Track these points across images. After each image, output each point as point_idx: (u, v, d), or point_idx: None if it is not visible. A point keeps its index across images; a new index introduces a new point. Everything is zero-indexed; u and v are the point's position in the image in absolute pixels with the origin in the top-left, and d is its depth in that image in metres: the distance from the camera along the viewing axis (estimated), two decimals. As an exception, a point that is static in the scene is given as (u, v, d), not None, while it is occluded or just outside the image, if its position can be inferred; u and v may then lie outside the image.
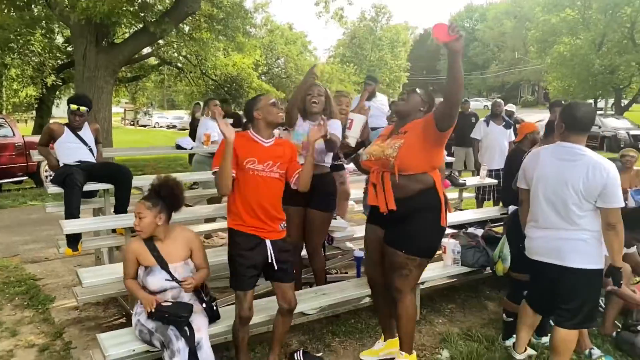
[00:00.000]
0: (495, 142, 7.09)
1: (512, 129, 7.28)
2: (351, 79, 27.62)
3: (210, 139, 5.73)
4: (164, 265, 2.95)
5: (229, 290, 3.69)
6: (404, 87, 48.64)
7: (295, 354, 3.35)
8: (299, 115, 3.74)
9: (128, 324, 3.31)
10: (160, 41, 12.90)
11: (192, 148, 5.88)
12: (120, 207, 4.50)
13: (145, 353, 2.92)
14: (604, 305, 3.83)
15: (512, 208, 4.50)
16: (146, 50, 13.69)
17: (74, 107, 4.60)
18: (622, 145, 17.70)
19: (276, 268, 2.95)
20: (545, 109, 34.40)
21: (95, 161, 4.66)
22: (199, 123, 6.67)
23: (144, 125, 37.97)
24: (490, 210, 5.62)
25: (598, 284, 2.91)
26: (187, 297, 2.98)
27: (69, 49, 14.67)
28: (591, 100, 31.57)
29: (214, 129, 5.72)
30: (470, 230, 4.53)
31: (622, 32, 25.80)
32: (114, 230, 4.45)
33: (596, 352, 3.36)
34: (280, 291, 3.03)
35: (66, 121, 4.71)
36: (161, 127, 36.73)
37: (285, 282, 3.02)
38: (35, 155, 4.89)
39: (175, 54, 15.52)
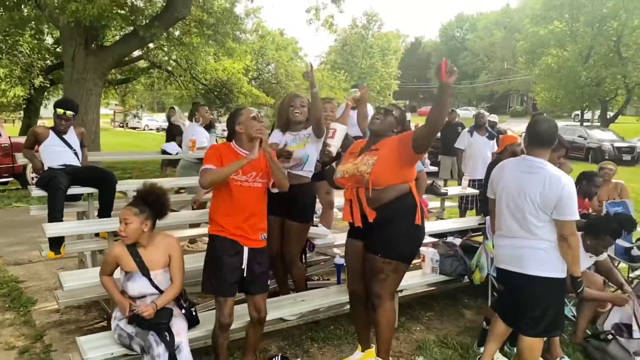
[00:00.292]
0: (479, 152, 7.21)
1: (495, 139, 7.41)
2: (341, 86, 27.76)
3: (196, 145, 5.76)
4: (145, 272, 2.97)
5: (210, 295, 3.73)
6: (395, 95, 48.99)
7: (274, 359, 3.40)
8: (279, 131, 3.84)
9: (109, 327, 3.31)
10: (151, 44, 12.93)
11: (177, 154, 5.91)
12: (104, 212, 4.53)
13: (124, 357, 2.95)
14: (575, 315, 3.94)
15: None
16: (136, 52, 13.71)
17: (60, 111, 4.63)
18: (606, 157, 18.00)
19: (248, 278, 3.00)
20: (534, 119, 34.85)
21: (80, 165, 4.69)
22: (184, 128, 6.67)
23: (134, 128, 37.84)
24: (469, 220, 5.72)
25: (559, 292, 2.98)
26: (166, 303, 3.02)
27: (58, 50, 14.64)
28: (578, 112, 32.06)
29: (200, 134, 5.76)
30: (449, 239, 4.61)
31: (609, 45, 26.28)
32: (97, 234, 4.47)
33: (567, 360, 3.45)
34: (252, 301, 3.09)
35: (52, 124, 4.74)
36: (150, 129, 36.61)
37: (257, 293, 3.07)
38: (20, 158, 4.91)
39: (166, 58, 15.54)
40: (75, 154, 4.68)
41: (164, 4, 10.97)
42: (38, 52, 14.24)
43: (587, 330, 3.84)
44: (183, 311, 3.09)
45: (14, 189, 10.05)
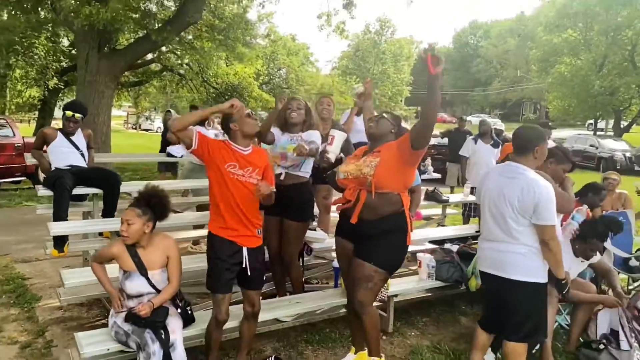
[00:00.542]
0: (482, 160, 7.21)
1: (500, 147, 7.41)
2: (352, 91, 27.82)
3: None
4: (143, 272, 3.05)
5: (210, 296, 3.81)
6: (406, 101, 48.90)
7: (268, 360, 3.47)
8: (278, 129, 3.90)
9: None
10: (163, 48, 13.12)
11: (182, 156, 6.01)
12: (108, 212, 4.64)
13: (119, 353, 3.04)
14: (569, 323, 3.96)
15: None
16: (149, 56, 13.91)
17: (69, 113, 4.77)
18: (618, 167, 17.85)
19: (245, 275, 3.10)
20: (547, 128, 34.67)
21: (86, 166, 4.81)
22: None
23: (146, 130, 38.18)
24: (469, 227, 5.75)
25: (540, 298, 2.99)
26: (162, 302, 3.10)
27: (73, 52, 14.89)
28: (591, 121, 31.79)
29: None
30: (447, 246, 4.65)
31: (623, 55, 26.07)
32: (101, 234, 4.58)
33: (558, 368, 3.48)
34: (247, 296, 3.19)
35: (60, 126, 4.87)
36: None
37: (252, 289, 3.17)
38: (29, 159, 5.04)
39: (178, 61, 15.74)
40: (82, 155, 4.81)
41: (176, 9, 11.14)
42: (53, 54, 14.52)
43: (580, 339, 3.86)
44: (179, 310, 3.17)
45: (26, 188, 10.26)
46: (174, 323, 3.02)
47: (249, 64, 16.46)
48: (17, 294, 4.54)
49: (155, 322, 2.94)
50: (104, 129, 10.77)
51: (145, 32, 10.62)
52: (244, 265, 3.08)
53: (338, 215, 3.40)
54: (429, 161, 7.71)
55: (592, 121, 31.73)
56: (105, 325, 3.76)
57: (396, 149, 3.10)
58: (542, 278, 2.96)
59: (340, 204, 3.27)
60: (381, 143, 3.21)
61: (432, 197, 5.78)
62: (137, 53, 11.23)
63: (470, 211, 6.80)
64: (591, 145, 20.50)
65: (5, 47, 12.73)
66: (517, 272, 2.94)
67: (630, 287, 5.04)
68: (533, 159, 3.00)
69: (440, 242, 5.08)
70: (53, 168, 4.68)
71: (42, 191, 4.60)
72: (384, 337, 3.93)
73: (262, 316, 3.35)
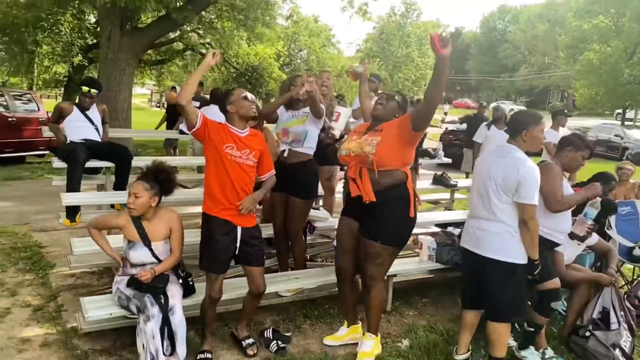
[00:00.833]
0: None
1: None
2: (350, 68, 27.61)
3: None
4: (146, 243, 3.18)
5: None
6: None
7: (266, 332, 3.59)
8: (283, 107, 3.97)
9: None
10: (187, 27, 13.20)
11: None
12: (119, 185, 4.80)
13: (122, 318, 3.20)
14: (565, 308, 3.99)
15: None
16: (172, 35, 14.03)
17: (85, 89, 4.93)
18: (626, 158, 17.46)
19: (244, 253, 3.18)
20: (575, 117, 33.82)
21: (100, 140, 4.96)
22: (202, 108, 6.86)
23: (170, 108, 38.51)
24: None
25: (515, 278, 3.01)
26: (164, 271, 3.23)
27: (98, 29, 15.10)
28: (619, 110, 30.99)
29: (217, 115, 5.94)
30: (449, 229, 4.68)
31: (655, 43, 25.27)
32: (112, 206, 4.75)
33: (549, 352, 3.52)
34: (251, 275, 3.25)
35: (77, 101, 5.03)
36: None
37: (254, 265, 3.24)
38: (46, 132, 5.22)
39: (200, 41, 15.83)
40: (97, 129, 4.96)
41: (197, -13, 11.17)
42: (78, 31, 14.74)
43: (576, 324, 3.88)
44: (180, 280, 3.31)
45: (49, 161, 10.54)
46: (173, 289, 3.15)
47: (270, 45, 16.46)
48: (33, 261, 4.75)
49: (155, 287, 3.07)
50: (124, 106, 10.96)
51: (166, 10, 10.71)
52: (237, 244, 3.15)
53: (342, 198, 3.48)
54: (440, 145, 7.69)
55: (620, 111, 30.93)
56: (113, 292, 3.96)
57: (397, 128, 3.16)
58: (518, 259, 2.99)
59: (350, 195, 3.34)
60: (383, 122, 3.27)
61: (440, 181, 5.80)
62: (158, 32, 11.34)
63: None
64: (616, 135, 20.06)
65: (32, 24, 13.01)
66: (491, 250, 3.00)
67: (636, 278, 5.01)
68: (522, 141, 3.04)
69: (445, 225, 5.12)
70: (68, 141, 4.85)
71: (57, 163, 4.78)
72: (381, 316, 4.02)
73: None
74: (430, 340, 3.62)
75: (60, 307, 3.87)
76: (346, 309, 3.64)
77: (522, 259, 3.00)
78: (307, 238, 4.59)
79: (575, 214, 3.68)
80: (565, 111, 7.13)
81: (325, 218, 4.47)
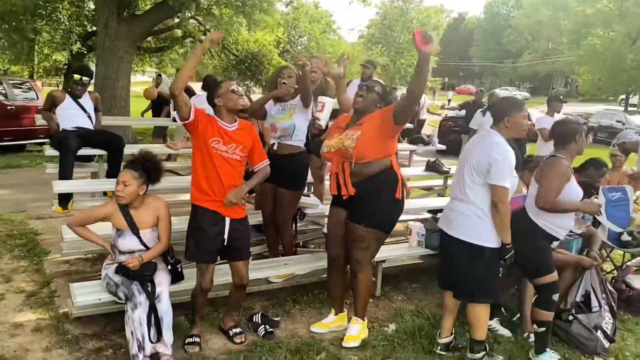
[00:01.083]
0: (490, 133, 7.16)
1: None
2: (376, 61, 27.51)
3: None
4: (135, 231, 3.22)
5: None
6: (434, 72, 47.88)
7: (254, 316, 3.65)
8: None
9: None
10: (187, 13, 13.13)
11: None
12: (112, 172, 4.83)
13: (111, 304, 3.26)
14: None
15: None
16: (170, 22, 13.97)
17: (77, 77, 4.95)
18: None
19: (231, 245, 3.19)
20: (578, 102, 33.58)
21: (92, 128, 4.99)
22: (191, 97, 6.84)
23: (171, 96, 38.47)
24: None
25: (482, 260, 3.04)
26: (152, 258, 3.28)
27: (96, 17, 15.07)
28: (623, 96, 30.80)
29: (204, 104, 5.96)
30: (439, 215, 4.70)
31: (659, 27, 25.03)
32: (105, 193, 4.79)
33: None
34: (234, 268, 3.28)
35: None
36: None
37: (238, 260, 3.26)
38: (39, 120, 5.25)
39: (200, 27, 15.76)
40: (89, 117, 4.99)
41: (194, -26, 11.12)
42: (76, 18, 14.70)
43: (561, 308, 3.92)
44: (169, 267, 3.35)
45: (48, 149, 10.59)
46: (161, 276, 3.18)
47: (270, 31, 16.37)
48: (28, 248, 4.81)
49: (143, 275, 3.11)
50: (123, 93, 10.99)
51: (163, -3, 10.70)
52: (224, 236, 3.15)
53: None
54: (434, 132, 7.70)
55: (624, 96, 30.75)
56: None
57: (379, 120, 3.18)
58: (486, 242, 3.02)
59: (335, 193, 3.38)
60: (365, 114, 3.28)
61: (432, 167, 5.82)
62: (155, 19, 11.33)
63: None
64: (618, 121, 19.96)
65: (30, 11, 12.97)
66: (459, 231, 3.07)
67: (628, 263, 5.04)
68: (504, 127, 3.06)
69: (436, 212, 5.14)
70: (61, 129, 4.88)
71: (49, 151, 4.82)
72: (369, 300, 4.07)
73: (252, 275, 3.45)
74: (416, 325, 3.67)
75: (53, 293, 3.94)
76: (334, 297, 3.68)
77: (490, 242, 3.02)
78: (298, 225, 4.63)
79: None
80: (561, 97, 7.11)
81: (316, 205, 4.51)
